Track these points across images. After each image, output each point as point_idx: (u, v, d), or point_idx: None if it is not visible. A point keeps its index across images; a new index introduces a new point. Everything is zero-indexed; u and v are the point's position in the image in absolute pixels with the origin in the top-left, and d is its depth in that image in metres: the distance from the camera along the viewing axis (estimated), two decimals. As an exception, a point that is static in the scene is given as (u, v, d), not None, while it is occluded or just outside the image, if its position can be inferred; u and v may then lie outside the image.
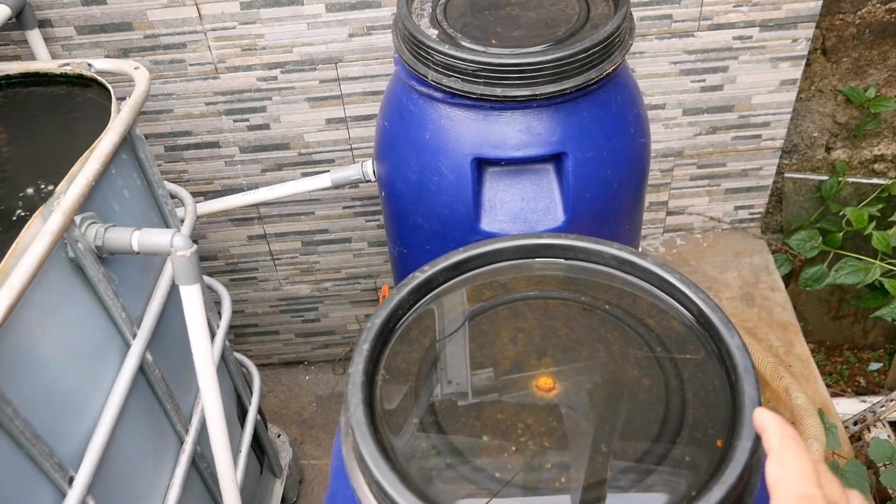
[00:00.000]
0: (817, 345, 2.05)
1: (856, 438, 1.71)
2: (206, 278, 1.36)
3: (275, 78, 1.43)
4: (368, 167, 1.26)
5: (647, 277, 0.70)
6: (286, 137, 1.51)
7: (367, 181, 1.28)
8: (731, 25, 1.42)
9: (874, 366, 2.04)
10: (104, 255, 0.90)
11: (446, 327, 0.68)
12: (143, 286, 1.03)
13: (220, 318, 1.28)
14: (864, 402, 1.83)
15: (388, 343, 0.66)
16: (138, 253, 0.89)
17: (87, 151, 0.89)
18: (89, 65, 1.03)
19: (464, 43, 1.03)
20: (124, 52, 1.39)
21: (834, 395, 1.75)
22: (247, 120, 1.49)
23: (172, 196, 1.18)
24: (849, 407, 1.80)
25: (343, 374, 1.91)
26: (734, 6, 1.40)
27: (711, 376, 0.62)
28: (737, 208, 1.71)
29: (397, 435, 0.59)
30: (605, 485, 0.55)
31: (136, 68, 1.04)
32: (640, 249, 1.28)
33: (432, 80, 1.01)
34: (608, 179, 1.08)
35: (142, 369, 0.98)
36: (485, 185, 1.07)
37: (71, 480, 0.81)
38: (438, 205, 1.09)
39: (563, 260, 0.73)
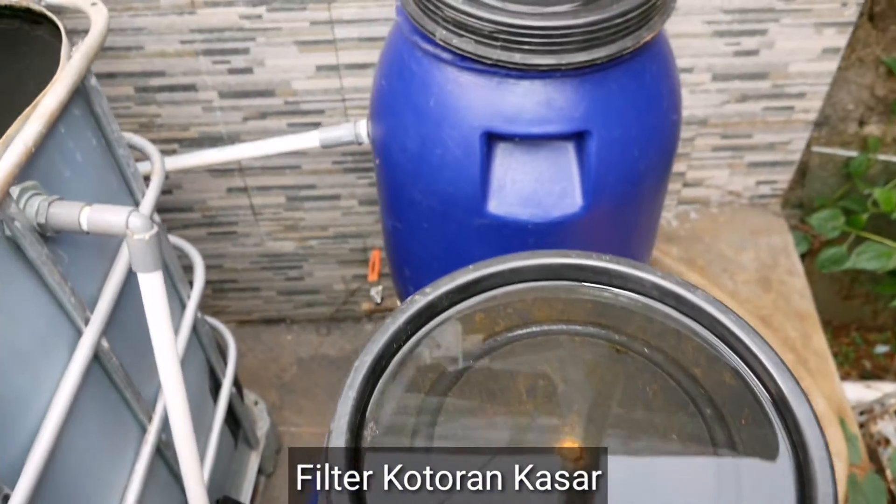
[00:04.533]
0: (824, 325, 1.96)
1: (859, 427, 1.64)
2: (177, 240, 1.23)
3: (259, 16, 1.27)
4: (362, 128, 1.12)
5: (694, 315, 0.58)
6: (271, 83, 1.36)
7: (360, 144, 1.14)
8: (776, -17, 1.27)
9: (881, 348, 1.96)
10: (48, 234, 0.77)
11: (450, 368, 0.56)
12: (99, 265, 0.90)
13: (192, 286, 1.16)
14: (869, 387, 1.76)
15: (380, 383, 0.55)
16: (88, 233, 0.76)
17: (28, 108, 0.75)
18: (38, -4, 0.88)
19: (480, -4, 0.88)
20: (88, -21, 1.22)
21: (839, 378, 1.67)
22: (227, 62, 1.32)
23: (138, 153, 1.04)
24: (854, 392, 1.72)
25: (327, 335, 1.81)
26: (781, -39, 1.24)
27: (771, 451, 0.51)
28: (758, 183, 1.59)
29: (387, 511, 0.48)
30: None
31: (92, 4, 0.89)
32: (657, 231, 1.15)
33: (440, 40, 0.86)
34: (634, 162, 0.95)
35: (97, 358, 0.87)
36: (494, 162, 0.94)
37: (6, 499, 0.70)
38: (441, 181, 0.95)
39: (593, 284, 0.61)
